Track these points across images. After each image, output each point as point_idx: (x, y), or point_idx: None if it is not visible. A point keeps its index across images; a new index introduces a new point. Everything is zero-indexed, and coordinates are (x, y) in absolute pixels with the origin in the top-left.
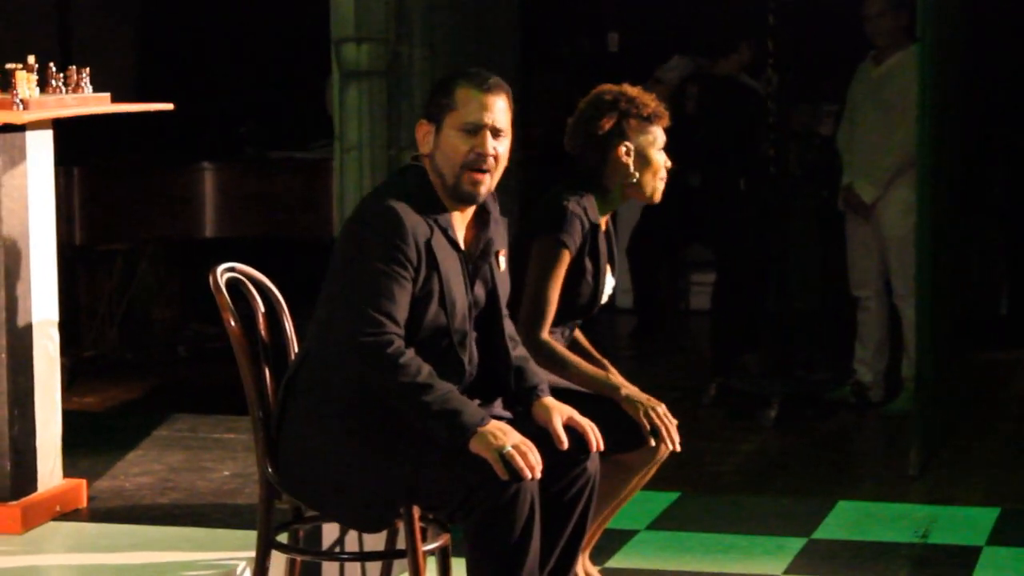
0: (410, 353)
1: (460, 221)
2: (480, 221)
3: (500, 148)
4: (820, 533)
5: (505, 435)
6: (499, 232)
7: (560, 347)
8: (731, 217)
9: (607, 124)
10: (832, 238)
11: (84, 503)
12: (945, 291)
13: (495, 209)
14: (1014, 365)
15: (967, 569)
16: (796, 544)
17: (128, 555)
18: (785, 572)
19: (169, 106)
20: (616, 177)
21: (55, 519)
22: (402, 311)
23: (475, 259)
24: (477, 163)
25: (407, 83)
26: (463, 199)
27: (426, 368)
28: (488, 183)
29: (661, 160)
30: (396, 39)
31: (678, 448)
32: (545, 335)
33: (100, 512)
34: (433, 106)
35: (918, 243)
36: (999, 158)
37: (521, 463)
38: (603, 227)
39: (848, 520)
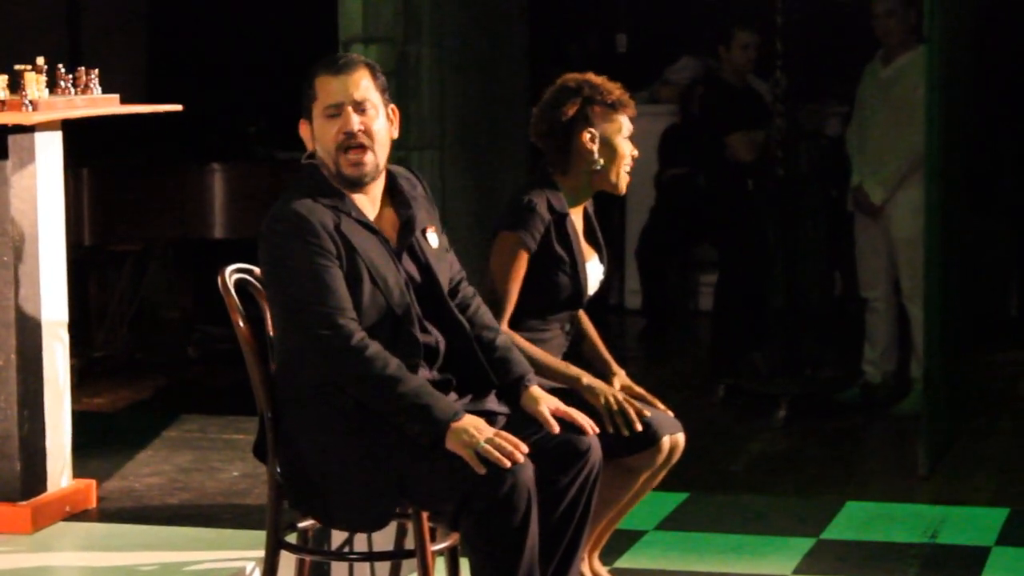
0: (375, 345)
1: (367, 204)
2: (397, 201)
3: (372, 123)
4: (829, 533)
5: (479, 431)
6: (421, 209)
7: (521, 339)
8: (739, 218)
9: (571, 110)
10: (841, 239)
11: (94, 503)
12: (954, 292)
13: (410, 188)
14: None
15: (976, 570)
16: (805, 544)
17: (137, 555)
18: (794, 572)
19: (178, 107)
20: (581, 165)
21: (65, 519)
22: (346, 298)
23: (399, 237)
24: (347, 142)
25: (415, 83)
26: (350, 183)
27: (394, 361)
28: (370, 159)
29: (627, 149)
30: (404, 39)
31: (624, 432)
32: (505, 328)
33: (109, 512)
34: (304, 103)
35: (927, 243)
36: (1009, 158)
37: (498, 455)
38: (582, 215)
39: (857, 520)
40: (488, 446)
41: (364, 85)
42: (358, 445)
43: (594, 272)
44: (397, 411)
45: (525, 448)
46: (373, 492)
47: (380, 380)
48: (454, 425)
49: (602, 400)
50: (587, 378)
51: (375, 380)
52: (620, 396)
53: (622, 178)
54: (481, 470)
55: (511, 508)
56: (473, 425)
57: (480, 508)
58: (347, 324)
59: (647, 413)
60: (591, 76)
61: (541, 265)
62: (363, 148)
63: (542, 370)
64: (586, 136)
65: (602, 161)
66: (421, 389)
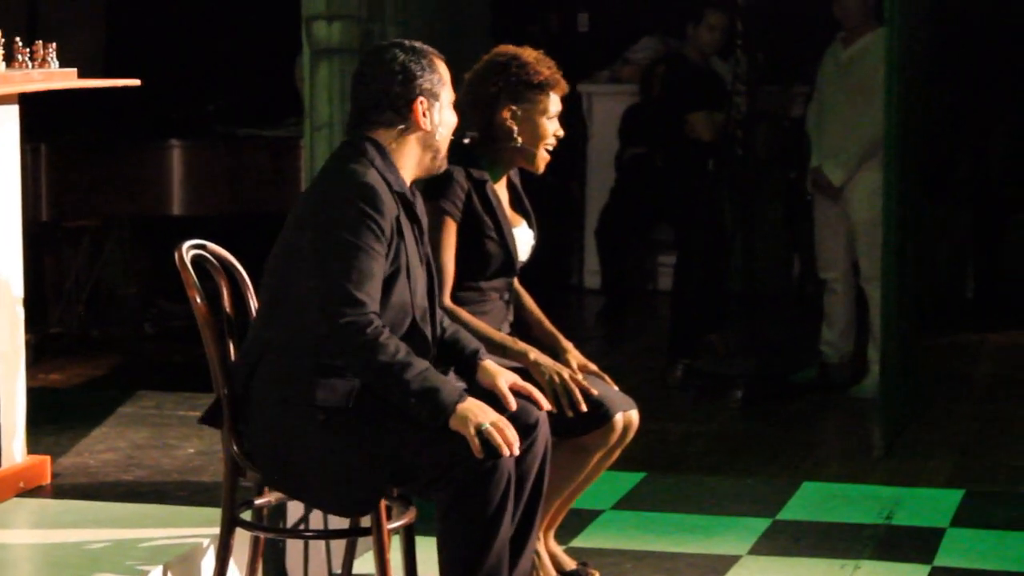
0: (387, 332)
1: (418, 195)
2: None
3: None
4: (785, 514)
5: (484, 412)
6: (419, 204)
7: (466, 314)
8: (698, 199)
9: (494, 87)
10: (800, 220)
11: (48, 480)
12: (911, 274)
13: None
14: (979, 348)
15: (930, 550)
16: (761, 524)
17: (92, 532)
18: (749, 552)
19: (136, 82)
20: (501, 140)
21: (18, 496)
22: (378, 289)
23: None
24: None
25: None
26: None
27: (403, 347)
28: None
29: (551, 129)
30: (368, 17)
31: (568, 413)
32: (448, 301)
33: (64, 489)
34: (425, 83)
35: (884, 226)
36: (966, 141)
37: (499, 439)
38: (505, 185)
39: (813, 501)
40: (491, 428)
41: None
42: (353, 432)
43: (523, 238)
44: (407, 395)
45: (519, 443)
46: (366, 477)
47: (389, 365)
48: (459, 406)
49: (547, 377)
50: (534, 353)
51: (384, 365)
52: (567, 374)
53: (540, 158)
54: (480, 453)
55: (490, 485)
56: (478, 406)
57: (458, 483)
58: (368, 315)
59: (594, 392)
60: (523, 52)
61: (468, 232)
62: None
63: (488, 345)
64: (507, 113)
65: (521, 139)
66: (428, 373)
